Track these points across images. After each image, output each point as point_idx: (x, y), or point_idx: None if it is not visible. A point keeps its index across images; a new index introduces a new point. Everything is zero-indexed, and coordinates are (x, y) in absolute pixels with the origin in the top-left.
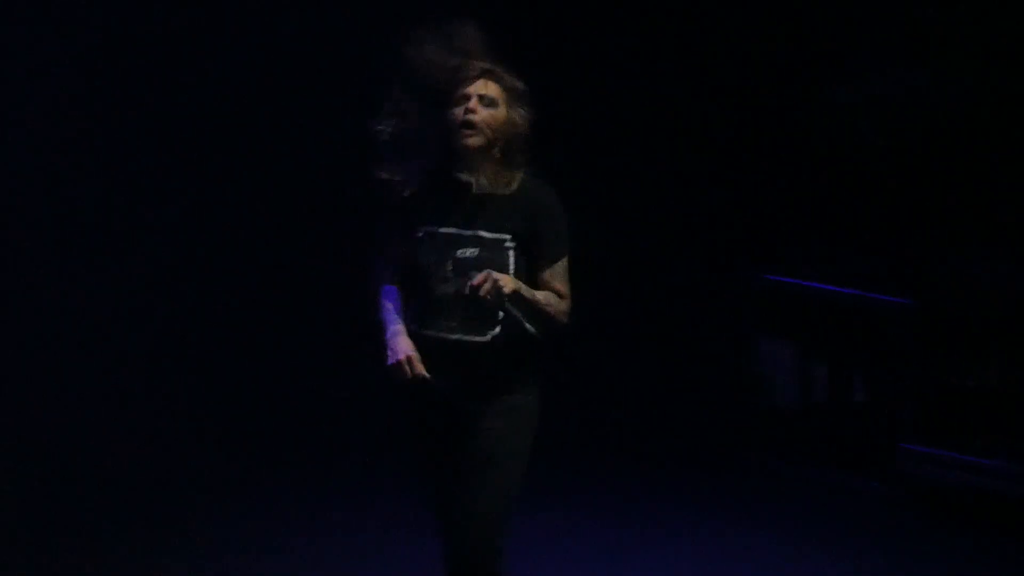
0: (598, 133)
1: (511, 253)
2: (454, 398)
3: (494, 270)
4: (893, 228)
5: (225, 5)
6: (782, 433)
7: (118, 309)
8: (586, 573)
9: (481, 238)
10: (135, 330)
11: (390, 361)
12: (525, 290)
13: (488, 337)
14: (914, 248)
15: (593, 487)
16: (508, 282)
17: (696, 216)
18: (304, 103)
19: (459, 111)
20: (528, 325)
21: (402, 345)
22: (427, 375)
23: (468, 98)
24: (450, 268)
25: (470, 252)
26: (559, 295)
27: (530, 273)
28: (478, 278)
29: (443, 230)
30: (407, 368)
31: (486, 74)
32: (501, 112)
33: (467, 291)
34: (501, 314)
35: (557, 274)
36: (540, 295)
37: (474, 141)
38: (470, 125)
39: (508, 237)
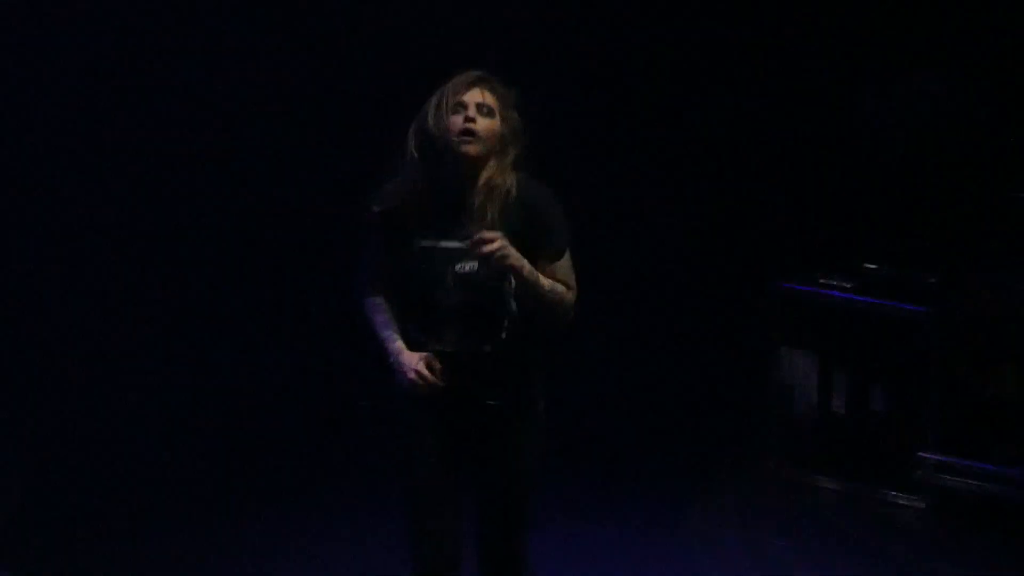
0: (621, 142)
1: None
2: (462, 406)
3: (495, 282)
4: (914, 237)
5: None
6: (802, 442)
7: (122, 313)
8: None
9: None
10: (139, 336)
11: (402, 380)
12: (528, 270)
13: (492, 347)
14: (935, 256)
15: (612, 495)
16: (514, 255)
17: (717, 225)
18: (309, 103)
19: (457, 119)
20: (533, 321)
21: (411, 360)
22: (441, 382)
23: (464, 106)
24: (451, 282)
25: (469, 266)
26: (566, 286)
27: None
28: (487, 235)
29: (442, 244)
30: (424, 378)
31: (480, 82)
32: (497, 120)
33: (471, 247)
34: (506, 322)
35: (561, 268)
36: (545, 280)
37: (473, 149)
38: (470, 133)
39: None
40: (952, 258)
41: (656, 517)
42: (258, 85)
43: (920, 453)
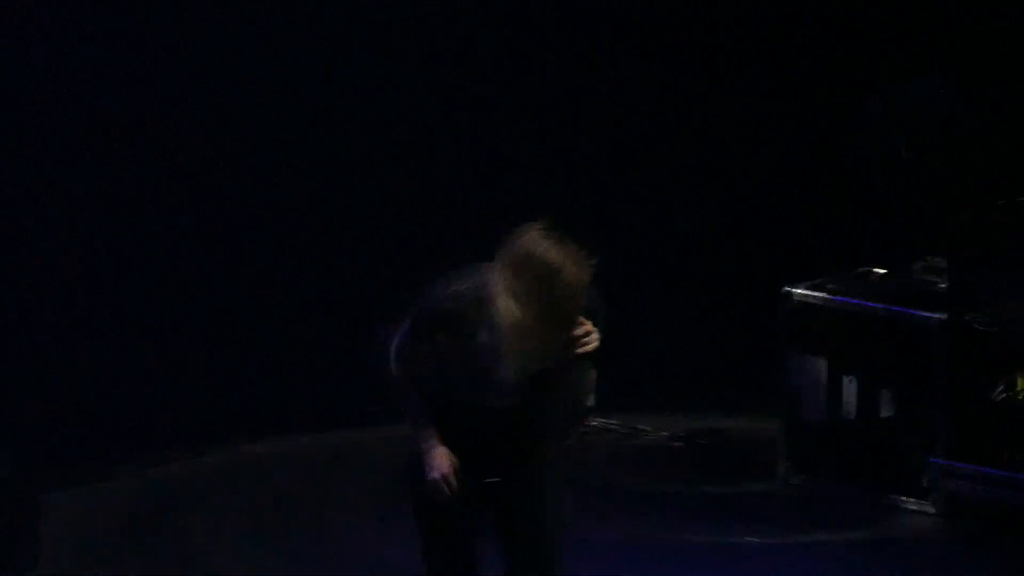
0: (629, 146)
1: None
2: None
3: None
4: (924, 241)
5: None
6: (811, 447)
7: (122, 313)
8: None
9: None
10: (140, 335)
11: (430, 476)
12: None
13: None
14: (945, 263)
15: (619, 501)
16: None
17: (726, 230)
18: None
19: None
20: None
21: (441, 462)
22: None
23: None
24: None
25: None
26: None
27: None
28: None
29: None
30: (446, 488)
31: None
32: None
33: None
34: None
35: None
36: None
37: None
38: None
39: None
40: (962, 264)
41: (663, 522)
42: (261, 86)
43: (930, 459)
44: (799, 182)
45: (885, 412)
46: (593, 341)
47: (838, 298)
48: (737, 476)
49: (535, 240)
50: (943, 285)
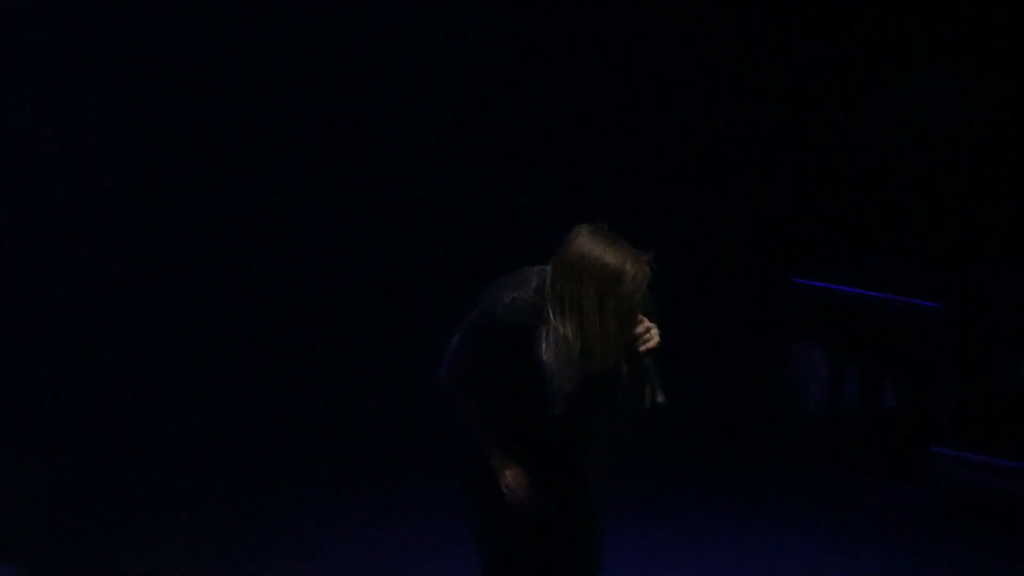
0: (634, 140)
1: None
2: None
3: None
4: (927, 232)
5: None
6: (815, 437)
7: (122, 313)
8: None
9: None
10: (155, 334)
11: (511, 497)
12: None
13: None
14: (948, 252)
15: (624, 491)
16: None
17: (730, 220)
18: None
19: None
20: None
21: (520, 480)
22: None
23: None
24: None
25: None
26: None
27: None
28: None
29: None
30: (523, 505)
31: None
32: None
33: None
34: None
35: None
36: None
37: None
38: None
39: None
40: (966, 253)
41: (665, 512)
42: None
43: (933, 448)
44: (804, 173)
45: (888, 401)
46: (655, 337)
47: (841, 288)
48: (740, 465)
49: (589, 242)
50: (947, 275)
